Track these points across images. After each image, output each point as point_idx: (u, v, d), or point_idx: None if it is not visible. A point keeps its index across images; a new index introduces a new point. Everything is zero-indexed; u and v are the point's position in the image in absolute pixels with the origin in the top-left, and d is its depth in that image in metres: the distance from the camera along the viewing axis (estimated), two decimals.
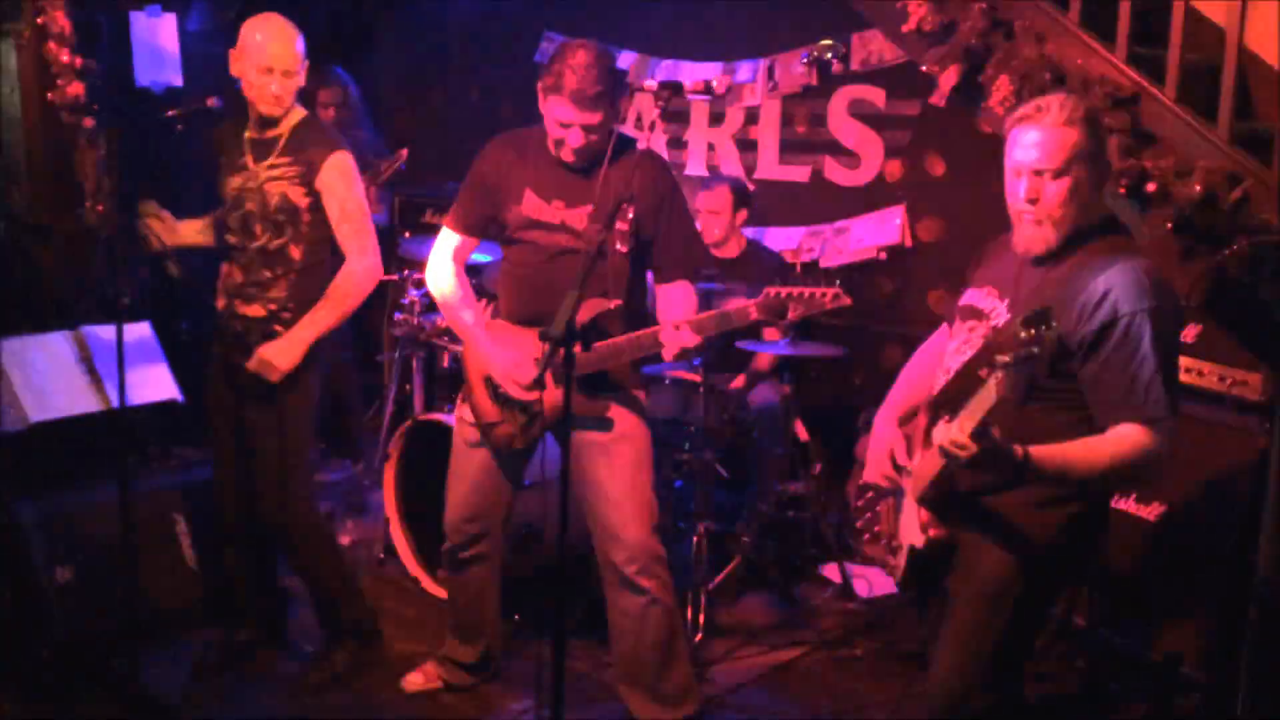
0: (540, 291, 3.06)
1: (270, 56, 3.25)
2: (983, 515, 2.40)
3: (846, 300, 2.74)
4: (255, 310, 3.37)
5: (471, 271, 3.48)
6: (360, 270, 3.34)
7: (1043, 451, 2.20)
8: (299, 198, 3.31)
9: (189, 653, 3.60)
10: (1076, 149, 2.30)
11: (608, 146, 2.97)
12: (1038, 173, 2.32)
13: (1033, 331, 1.98)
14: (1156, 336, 2.23)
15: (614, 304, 2.99)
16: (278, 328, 3.35)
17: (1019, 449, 2.17)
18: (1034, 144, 2.31)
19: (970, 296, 2.55)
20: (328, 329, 3.33)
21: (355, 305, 3.37)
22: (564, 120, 2.94)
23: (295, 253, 3.34)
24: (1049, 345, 1.98)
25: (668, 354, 2.89)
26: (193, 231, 3.58)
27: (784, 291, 2.76)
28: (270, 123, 3.34)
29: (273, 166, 3.32)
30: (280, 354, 3.27)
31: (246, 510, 3.49)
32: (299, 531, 3.46)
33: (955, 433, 2.11)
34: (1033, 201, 2.33)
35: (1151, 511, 3.37)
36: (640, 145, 2.97)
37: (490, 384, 3.17)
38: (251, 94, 3.30)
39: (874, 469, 2.62)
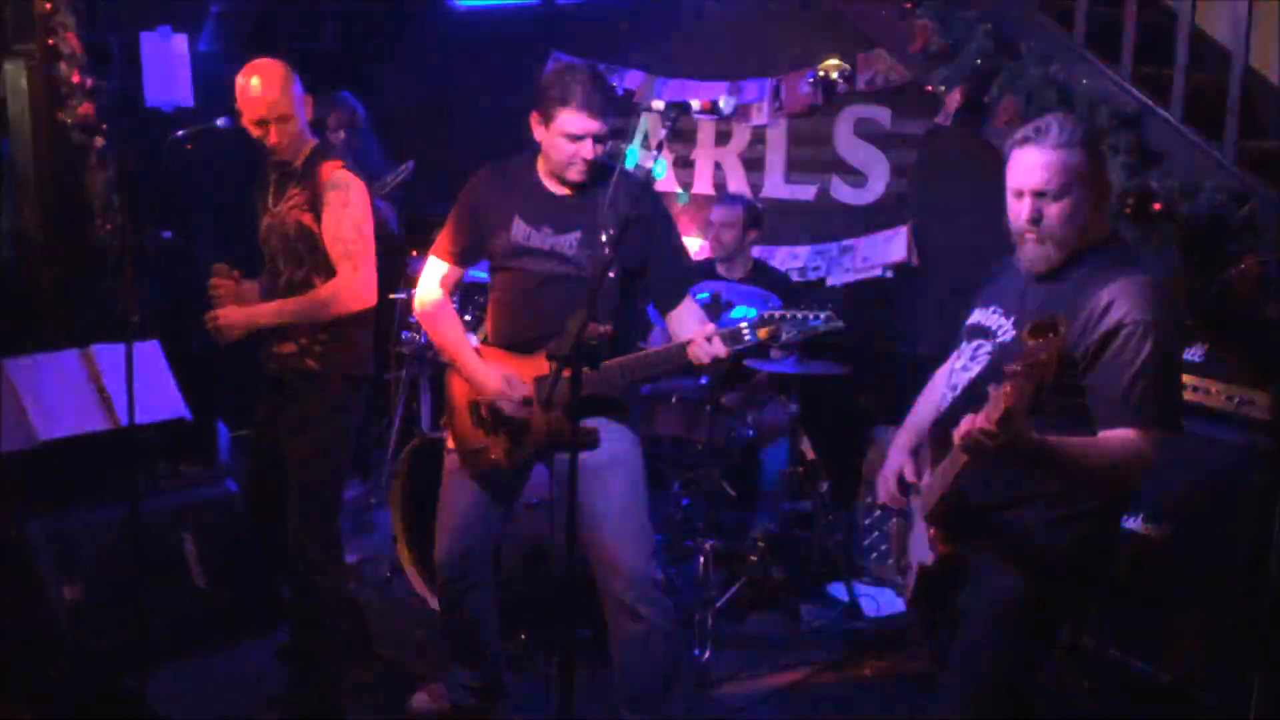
0: (529, 317, 3.06)
1: (261, 107, 3.21)
2: (993, 532, 2.40)
3: (839, 323, 2.73)
4: (287, 347, 3.29)
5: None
6: (345, 287, 3.21)
7: (1054, 442, 2.21)
8: (311, 222, 3.24)
9: (197, 672, 3.59)
10: (1076, 170, 2.33)
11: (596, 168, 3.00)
12: (1039, 194, 2.35)
13: (1041, 339, 2.00)
14: (1157, 346, 2.25)
15: (605, 328, 2.97)
16: (309, 362, 3.26)
17: (1038, 437, 2.16)
18: (1035, 166, 2.34)
19: (977, 316, 2.57)
20: (285, 322, 3.23)
21: (329, 317, 3.22)
22: (577, 132, 2.93)
23: (318, 283, 3.25)
24: (1057, 351, 1.99)
25: (701, 360, 2.82)
26: (255, 294, 3.46)
27: (777, 314, 2.76)
28: (285, 162, 3.30)
29: (289, 198, 3.28)
30: (234, 319, 3.24)
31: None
32: (313, 573, 3.33)
33: (982, 421, 2.10)
34: (1035, 222, 2.36)
35: (1160, 531, 3.36)
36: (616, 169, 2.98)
37: (475, 409, 3.13)
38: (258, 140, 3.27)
39: (882, 490, 2.67)
